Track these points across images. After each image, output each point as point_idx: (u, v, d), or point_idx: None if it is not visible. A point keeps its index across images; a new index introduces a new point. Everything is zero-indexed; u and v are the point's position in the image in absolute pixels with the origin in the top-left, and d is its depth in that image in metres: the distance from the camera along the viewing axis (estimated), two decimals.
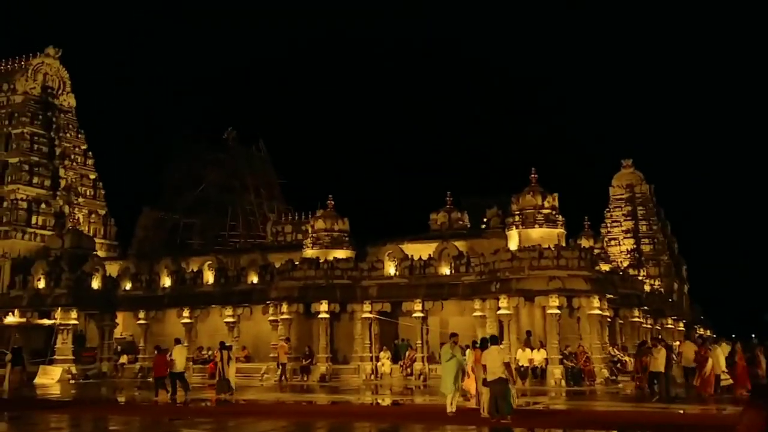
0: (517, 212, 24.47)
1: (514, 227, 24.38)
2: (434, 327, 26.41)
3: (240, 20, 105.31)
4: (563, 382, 22.01)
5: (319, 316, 26.20)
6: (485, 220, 30.49)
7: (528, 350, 22.52)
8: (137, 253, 39.15)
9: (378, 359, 26.08)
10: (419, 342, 25.69)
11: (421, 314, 25.56)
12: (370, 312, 26.20)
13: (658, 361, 17.81)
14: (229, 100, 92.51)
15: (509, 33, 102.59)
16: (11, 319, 29.33)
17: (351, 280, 26.54)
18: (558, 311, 22.50)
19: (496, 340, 12.99)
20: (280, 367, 25.31)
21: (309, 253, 27.97)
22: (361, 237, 29.98)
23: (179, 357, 20.33)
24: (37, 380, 26.52)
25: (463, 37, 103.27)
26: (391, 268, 26.56)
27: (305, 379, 25.56)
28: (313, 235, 28.46)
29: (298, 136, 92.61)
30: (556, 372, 22.14)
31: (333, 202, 28.97)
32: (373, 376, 25.75)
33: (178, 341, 21.90)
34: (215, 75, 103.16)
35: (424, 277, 25.86)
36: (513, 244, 24.15)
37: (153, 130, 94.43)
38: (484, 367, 12.25)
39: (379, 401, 20.90)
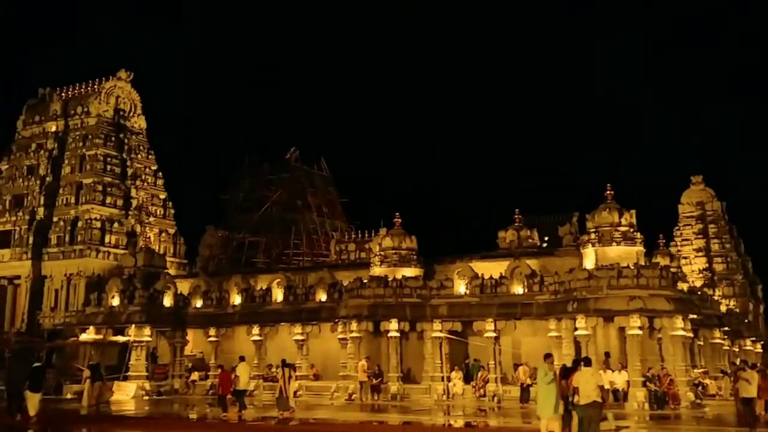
0: (593, 230, 23.84)
1: (589, 245, 23.74)
2: (506, 347, 25.88)
3: (302, 43, 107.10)
4: (646, 406, 21.18)
5: (389, 334, 25.97)
6: (546, 238, 29.90)
7: (609, 372, 21.78)
8: (202, 270, 39.82)
9: (449, 379, 25.66)
10: (491, 362, 25.18)
11: (493, 334, 25.07)
12: (441, 331, 25.83)
13: (751, 386, 16.96)
14: (292, 121, 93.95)
15: (579, 51, 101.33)
16: (87, 336, 29.98)
17: (420, 299, 26.26)
18: (639, 332, 21.75)
19: (589, 361, 12.46)
20: (360, 385, 25.13)
21: (377, 271, 27.85)
22: (428, 255, 29.77)
23: (243, 375, 20.51)
24: (113, 396, 26.98)
25: (533, 54, 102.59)
26: (461, 287, 26.19)
27: (376, 398, 25.31)
28: (381, 253, 28.34)
29: (359, 154, 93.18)
30: (638, 395, 21.33)
31: (400, 220, 28.87)
32: (444, 397, 25.32)
33: (242, 359, 22.15)
34: (279, 96, 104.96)
35: (495, 296, 25.38)
36: (589, 263, 23.50)
37: (218, 150, 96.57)
38: (576, 389, 11.78)
39: (452, 423, 20.52)
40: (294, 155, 50.29)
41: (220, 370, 22.02)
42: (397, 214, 28.81)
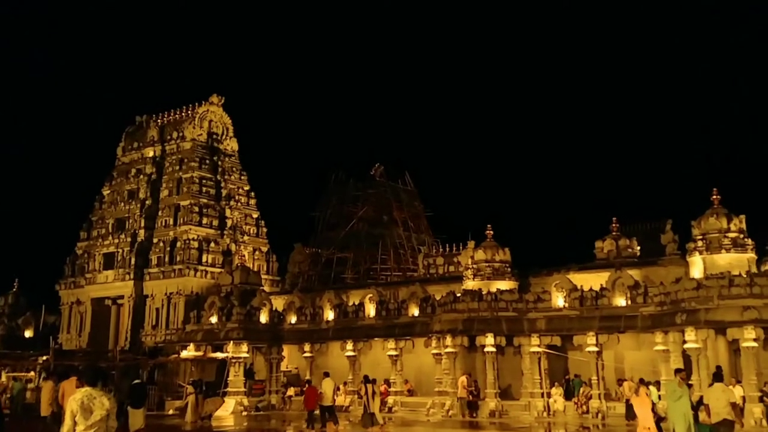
0: (700, 237, 22.69)
1: (696, 253, 22.60)
2: (609, 362, 24.92)
3: (384, 59, 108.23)
4: (764, 422, 19.87)
5: (485, 349, 25.48)
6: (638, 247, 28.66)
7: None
8: (291, 287, 40.43)
9: (549, 395, 24.91)
10: (594, 378, 24.27)
11: (594, 348, 24.17)
12: (539, 345, 25.14)
13: None
14: (376, 137, 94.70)
15: (686, 51, 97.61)
16: (187, 353, 30.87)
17: (516, 312, 25.65)
18: (754, 344, 20.45)
19: (720, 376, 11.65)
20: (459, 401, 24.79)
21: (470, 284, 27.45)
22: (521, 267, 29.15)
23: (328, 390, 20.52)
24: (215, 412, 27.59)
25: (628, 54, 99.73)
26: (559, 300, 25.44)
27: (474, 415, 24.85)
28: (473, 266, 27.94)
29: (443, 167, 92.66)
30: (755, 411, 20.03)
31: (492, 232, 28.41)
32: (545, 414, 24.59)
33: (326, 374, 22.23)
34: (364, 112, 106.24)
35: (596, 308, 24.49)
36: (696, 272, 22.36)
37: (305, 169, 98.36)
38: (706, 407, 11.07)
39: None
40: (379, 171, 50.49)
41: (306, 386, 22.23)
42: (489, 225, 28.38)
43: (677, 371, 11.95)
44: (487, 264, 27.38)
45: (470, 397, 25.17)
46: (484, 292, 26.13)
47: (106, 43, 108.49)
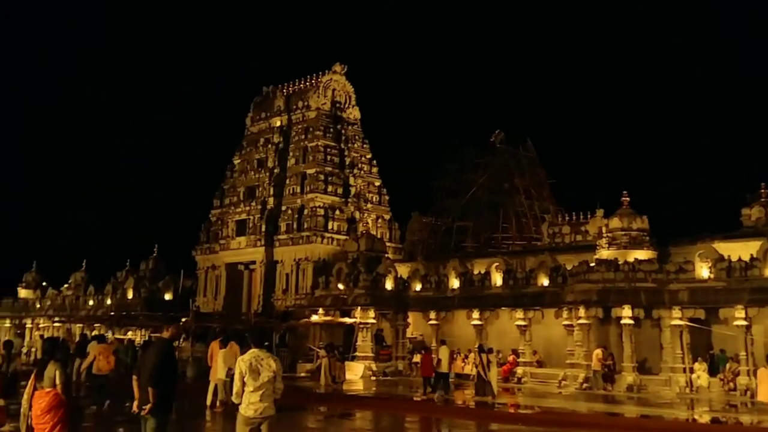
0: None
1: None
2: (758, 337, 23.19)
3: (501, 23, 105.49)
4: None
5: (622, 321, 24.41)
6: None
7: None
8: (410, 255, 40.48)
9: (692, 371, 23.58)
10: (742, 353, 22.71)
11: (743, 322, 22.55)
12: (681, 318, 23.78)
13: None
14: (496, 102, 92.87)
15: None
16: (317, 317, 31.64)
17: (656, 284, 24.33)
18: None
19: None
20: (594, 374, 24.01)
21: (604, 254, 26.29)
22: (659, 236, 27.61)
23: (444, 358, 20.69)
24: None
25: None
26: (703, 270, 23.87)
27: (609, 388, 23.96)
28: (608, 234, 26.72)
29: (566, 133, 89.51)
30: None
31: (628, 199, 27.03)
32: (687, 390, 23.31)
33: (443, 342, 22.43)
34: (483, 77, 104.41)
35: (746, 279, 22.78)
36: None
37: (424, 136, 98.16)
38: None
39: (697, 418, 18.80)
40: (499, 137, 49.28)
41: (423, 353, 22.35)
42: (624, 192, 27.01)
43: None
44: (623, 232, 26.09)
45: (605, 370, 24.29)
46: (620, 262, 24.97)
47: (233, 16, 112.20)
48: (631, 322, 24.27)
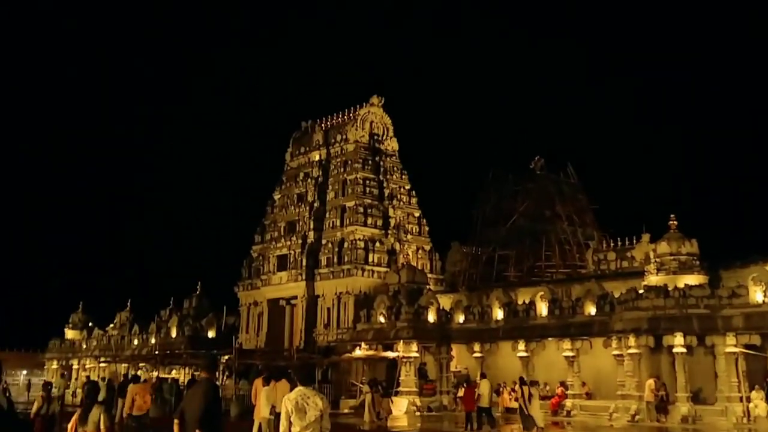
0: None
1: None
2: None
3: (538, 52, 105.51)
4: None
5: (674, 350, 23.62)
6: None
7: None
8: (450, 286, 39.98)
9: (749, 400, 22.62)
10: None
11: None
12: (735, 345, 22.93)
13: None
14: (536, 129, 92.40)
15: None
16: (359, 352, 31.32)
17: (708, 309, 23.57)
18: None
19: None
20: (647, 405, 23.22)
21: (653, 280, 25.62)
22: (709, 260, 26.78)
23: (485, 391, 20.20)
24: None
25: None
26: (757, 294, 23.05)
27: (663, 420, 23.10)
28: (657, 260, 26.07)
29: (607, 158, 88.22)
30: None
31: (676, 222, 26.37)
32: (744, 420, 22.35)
33: (483, 376, 22.11)
34: (521, 106, 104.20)
35: None
36: None
37: (463, 166, 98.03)
38: None
39: None
40: (539, 164, 48.77)
41: (465, 387, 21.98)
42: (672, 215, 26.39)
43: None
44: (672, 257, 25.45)
45: (658, 401, 23.45)
46: (670, 288, 24.26)
47: (272, 54, 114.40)
48: (684, 350, 23.48)
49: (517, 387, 20.30)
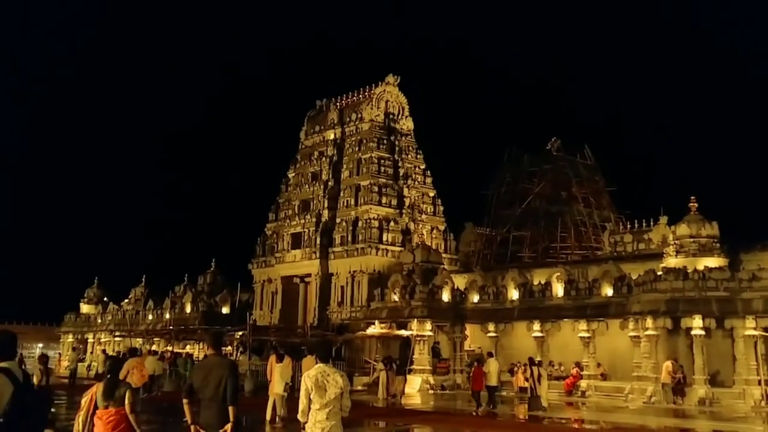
0: None
1: None
2: None
3: (549, 27, 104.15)
4: None
5: (692, 332, 23.36)
6: None
7: None
8: (464, 266, 39.80)
9: (767, 383, 22.39)
10: None
11: None
12: (755, 329, 22.65)
13: None
14: (552, 110, 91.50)
15: None
16: (373, 330, 31.29)
17: (728, 292, 23.26)
18: None
19: None
20: (663, 387, 23.04)
21: (672, 262, 25.30)
22: (729, 242, 26.41)
23: (493, 371, 20.29)
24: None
25: None
26: None
27: (680, 402, 22.91)
28: (676, 242, 25.73)
29: (625, 139, 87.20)
30: None
31: (696, 204, 25.97)
32: (762, 403, 22.14)
33: (490, 355, 22.28)
34: (538, 85, 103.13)
35: None
36: None
37: (476, 145, 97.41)
38: None
39: None
40: (555, 144, 48.36)
41: (475, 365, 22.02)
42: (692, 197, 25.99)
43: None
44: (691, 239, 25.08)
45: (675, 383, 23.25)
46: (689, 270, 23.94)
47: (286, 32, 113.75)
48: (702, 332, 23.23)
49: (526, 367, 20.29)
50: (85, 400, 7.54)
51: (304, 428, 6.72)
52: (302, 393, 6.73)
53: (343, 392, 6.75)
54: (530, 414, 19.63)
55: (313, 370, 6.77)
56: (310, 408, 6.67)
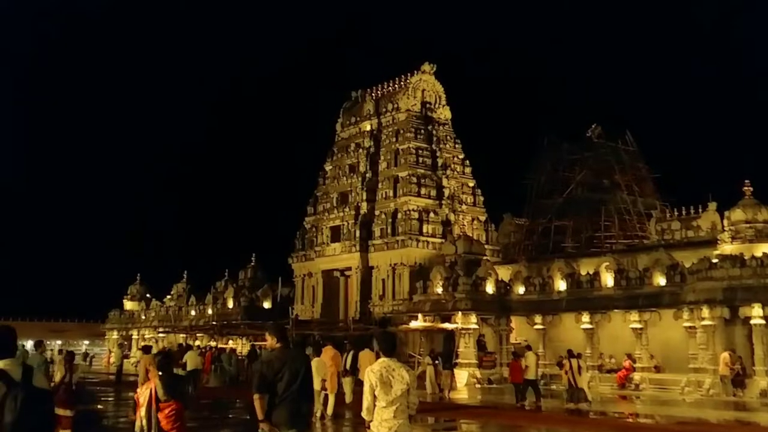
0: None
1: None
2: None
3: (590, 14, 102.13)
4: None
5: (751, 321, 22.39)
6: None
7: None
8: (504, 257, 39.02)
9: None
10: None
11: None
12: None
13: None
14: (593, 95, 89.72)
15: None
16: (417, 323, 30.78)
17: None
18: None
19: None
20: (721, 379, 22.14)
21: (727, 249, 24.29)
22: None
23: (531, 363, 19.89)
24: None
25: None
26: None
27: (740, 395, 21.97)
28: (731, 228, 24.69)
29: (668, 125, 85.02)
30: None
31: (751, 189, 24.90)
32: None
33: (528, 348, 21.65)
34: (578, 71, 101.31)
35: None
36: None
37: (516, 134, 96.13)
38: None
39: None
40: (596, 131, 47.08)
41: (513, 358, 21.51)
42: (746, 181, 24.91)
43: None
44: (747, 225, 24.03)
45: (734, 375, 22.30)
46: (746, 257, 22.94)
47: (322, 23, 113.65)
48: (762, 321, 22.25)
49: (565, 360, 19.70)
50: (144, 396, 7.44)
51: (369, 427, 6.25)
52: (366, 389, 6.24)
53: (409, 388, 6.25)
54: (573, 408, 18.97)
55: (376, 365, 6.29)
56: (375, 405, 6.19)
